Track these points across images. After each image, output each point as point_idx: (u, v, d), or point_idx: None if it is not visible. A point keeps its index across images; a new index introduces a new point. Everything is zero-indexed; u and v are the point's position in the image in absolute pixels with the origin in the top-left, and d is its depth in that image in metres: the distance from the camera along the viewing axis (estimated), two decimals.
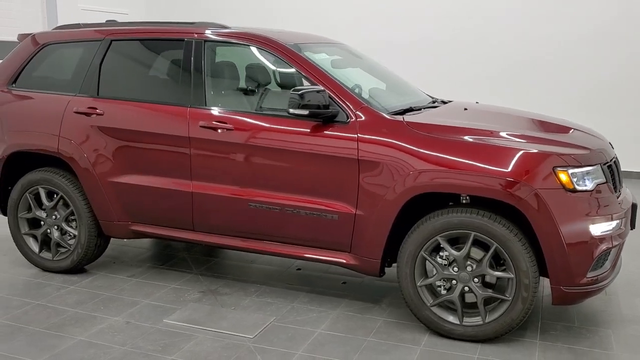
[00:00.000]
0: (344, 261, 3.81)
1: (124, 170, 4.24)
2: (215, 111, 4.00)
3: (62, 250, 4.59)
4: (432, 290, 3.62)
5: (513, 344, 3.55)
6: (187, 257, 5.05)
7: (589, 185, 3.38)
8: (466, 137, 3.52)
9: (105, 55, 4.36)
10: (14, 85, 4.64)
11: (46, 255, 4.62)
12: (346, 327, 3.76)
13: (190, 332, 3.68)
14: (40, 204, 4.57)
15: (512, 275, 3.40)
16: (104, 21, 4.95)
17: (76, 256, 4.49)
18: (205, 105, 4.03)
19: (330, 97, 3.70)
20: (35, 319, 3.83)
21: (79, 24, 4.74)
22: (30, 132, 4.48)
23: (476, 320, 3.53)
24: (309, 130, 3.74)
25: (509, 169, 3.33)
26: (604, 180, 3.47)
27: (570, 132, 3.89)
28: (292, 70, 4.00)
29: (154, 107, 4.17)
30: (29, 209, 4.62)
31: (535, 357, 3.40)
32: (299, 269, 4.78)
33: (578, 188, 3.33)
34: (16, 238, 4.68)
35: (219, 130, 3.92)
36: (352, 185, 3.65)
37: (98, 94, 4.33)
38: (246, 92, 4.32)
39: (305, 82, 3.96)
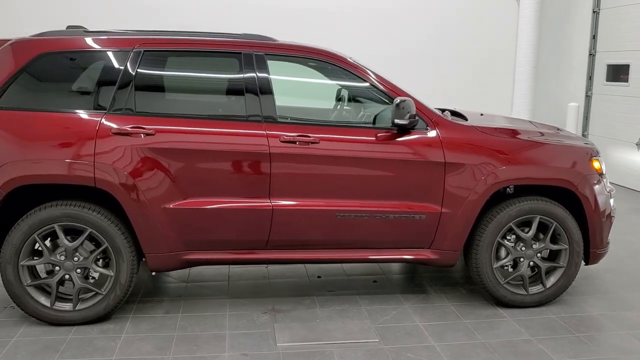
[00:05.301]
0: (426, 257, 4.17)
1: (184, 194, 3.82)
2: (296, 125, 3.94)
3: (86, 297, 3.89)
4: (500, 270, 4.25)
5: (566, 302, 4.39)
6: (195, 286, 4.68)
7: (604, 169, 4.42)
8: (527, 138, 4.23)
9: (137, 67, 3.85)
10: None
11: (62, 306, 3.85)
12: (436, 316, 4.14)
13: (316, 349, 3.63)
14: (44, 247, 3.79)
15: (567, 246, 4.23)
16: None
17: (112, 300, 3.86)
18: (278, 120, 3.93)
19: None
20: None
21: (79, 30, 4.04)
22: (45, 161, 3.67)
23: (538, 288, 4.27)
24: (393, 139, 3.99)
25: (569, 161, 4.17)
26: (603, 165, 4.56)
27: (561, 130, 4.90)
28: (361, 83, 4.13)
29: (219, 124, 3.88)
30: (34, 254, 3.79)
31: (588, 308, 4.30)
32: (319, 277, 4.88)
33: (603, 172, 4.34)
34: (16, 293, 3.77)
35: (310, 144, 3.88)
36: (438, 186, 4.04)
37: (136, 111, 3.81)
38: (315, 105, 4.30)
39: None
